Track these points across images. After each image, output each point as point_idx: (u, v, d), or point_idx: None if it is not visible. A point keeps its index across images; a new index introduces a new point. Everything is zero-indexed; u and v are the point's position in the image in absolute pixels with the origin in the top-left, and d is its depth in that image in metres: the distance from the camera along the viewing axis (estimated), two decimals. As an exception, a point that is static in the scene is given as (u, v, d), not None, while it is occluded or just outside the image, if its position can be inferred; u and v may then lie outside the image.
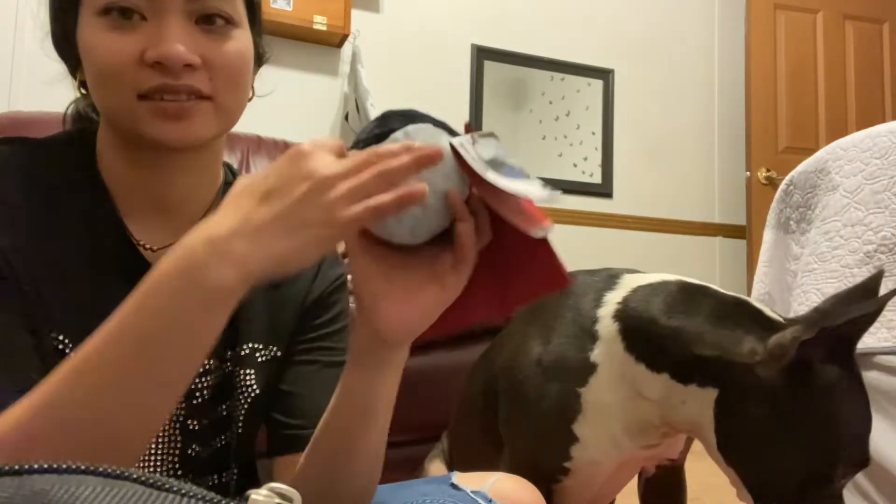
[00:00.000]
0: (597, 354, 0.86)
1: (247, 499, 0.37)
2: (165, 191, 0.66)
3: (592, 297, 0.89)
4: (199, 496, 0.35)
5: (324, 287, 0.75)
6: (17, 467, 0.32)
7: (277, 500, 0.37)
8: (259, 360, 0.71)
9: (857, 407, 0.76)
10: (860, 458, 0.76)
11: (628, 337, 0.84)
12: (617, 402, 0.85)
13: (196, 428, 0.67)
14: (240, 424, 0.71)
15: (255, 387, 0.71)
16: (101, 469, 0.33)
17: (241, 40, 0.62)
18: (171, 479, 0.35)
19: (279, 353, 0.72)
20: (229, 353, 0.69)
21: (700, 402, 0.79)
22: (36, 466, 0.32)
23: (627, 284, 0.88)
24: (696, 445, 0.96)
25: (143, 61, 0.56)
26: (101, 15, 0.57)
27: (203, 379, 0.68)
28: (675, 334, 0.80)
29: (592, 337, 0.86)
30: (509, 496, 0.71)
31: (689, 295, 0.83)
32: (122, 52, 0.56)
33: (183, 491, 0.34)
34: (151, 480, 0.34)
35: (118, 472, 0.34)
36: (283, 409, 0.73)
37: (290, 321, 0.73)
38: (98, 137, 0.67)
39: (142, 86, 0.57)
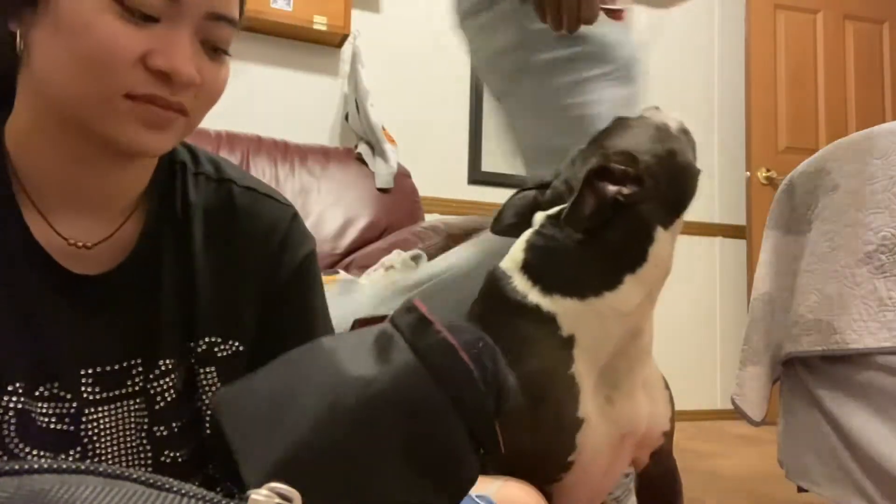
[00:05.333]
0: (567, 328, 0.87)
1: (247, 499, 0.37)
2: (102, 187, 0.61)
3: (504, 290, 0.91)
4: (199, 496, 0.35)
5: (291, 269, 0.70)
6: (17, 467, 0.31)
7: (277, 500, 0.37)
8: (219, 355, 0.66)
9: None
10: None
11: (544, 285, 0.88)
12: (613, 332, 0.87)
13: (165, 434, 0.63)
14: (207, 425, 0.66)
15: (218, 385, 0.66)
16: (101, 469, 0.33)
17: (228, 67, 0.61)
18: (171, 479, 0.35)
19: (241, 349, 0.67)
20: (192, 344, 0.65)
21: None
22: (36, 466, 0.32)
23: (509, 260, 0.93)
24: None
25: (147, 65, 0.53)
26: None
27: (161, 382, 0.63)
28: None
29: (540, 318, 0.87)
30: (515, 502, 0.70)
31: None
32: (126, 48, 0.52)
33: (183, 491, 0.34)
34: (151, 480, 0.34)
35: (118, 472, 0.34)
36: None
37: (255, 311, 0.68)
38: (16, 127, 0.59)
39: (135, 88, 0.53)
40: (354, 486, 0.44)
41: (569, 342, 0.87)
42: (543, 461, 0.88)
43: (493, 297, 0.93)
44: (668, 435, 0.98)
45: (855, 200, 1.32)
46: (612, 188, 0.84)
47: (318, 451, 0.44)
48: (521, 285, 0.90)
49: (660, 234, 0.89)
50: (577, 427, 0.86)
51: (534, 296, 0.89)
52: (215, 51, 0.58)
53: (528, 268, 0.91)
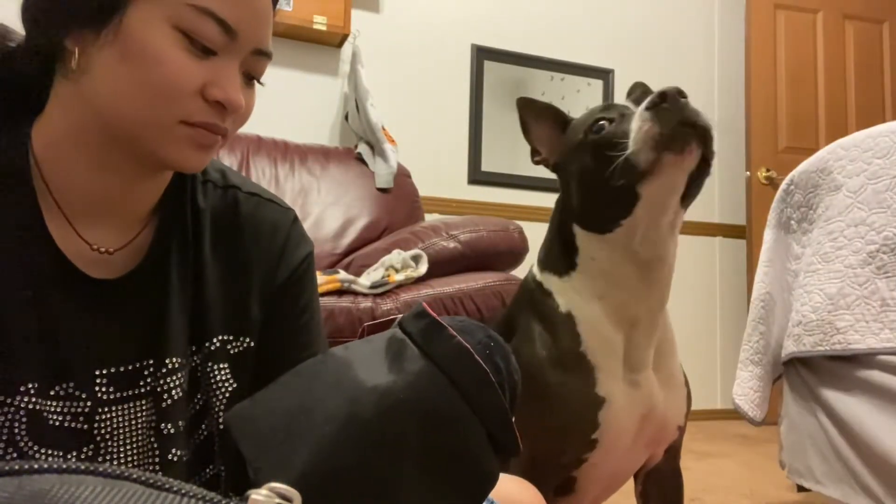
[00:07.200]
0: (563, 304, 0.94)
1: (247, 499, 0.37)
2: (129, 196, 0.64)
3: (529, 275, 1.02)
4: (200, 496, 0.34)
5: (291, 269, 0.73)
6: (17, 467, 0.31)
7: (277, 500, 0.37)
8: (231, 352, 0.69)
9: None
10: None
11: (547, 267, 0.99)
12: (599, 313, 0.92)
13: (172, 431, 0.65)
14: (219, 421, 0.68)
15: (231, 381, 0.68)
16: (101, 469, 0.33)
17: (255, 91, 0.65)
18: (171, 479, 0.35)
19: (252, 344, 0.70)
20: (194, 347, 0.67)
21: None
22: (36, 466, 0.32)
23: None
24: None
25: (205, 95, 0.57)
26: (176, 30, 0.55)
27: (168, 380, 0.64)
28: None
29: (543, 294, 0.96)
30: (512, 497, 0.70)
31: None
32: (190, 79, 0.56)
33: (183, 491, 0.34)
34: (151, 480, 0.34)
35: (118, 472, 0.33)
36: None
37: (259, 308, 0.71)
38: (48, 134, 0.60)
39: (192, 116, 0.57)
40: (375, 498, 0.43)
41: (570, 319, 0.92)
42: (567, 437, 0.89)
43: (523, 283, 1.04)
44: (682, 431, 1.00)
45: (858, 200, 1.32)
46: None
47: (337, 465, 0.43)
48: (536, 267, 1.02)
49: (578, 231, 0.94)
50: (599, 405, 0.88)
51: (538, 274, 1.00)
52: (250, 79, 0.63)
53: (539, 251, 1.03)
